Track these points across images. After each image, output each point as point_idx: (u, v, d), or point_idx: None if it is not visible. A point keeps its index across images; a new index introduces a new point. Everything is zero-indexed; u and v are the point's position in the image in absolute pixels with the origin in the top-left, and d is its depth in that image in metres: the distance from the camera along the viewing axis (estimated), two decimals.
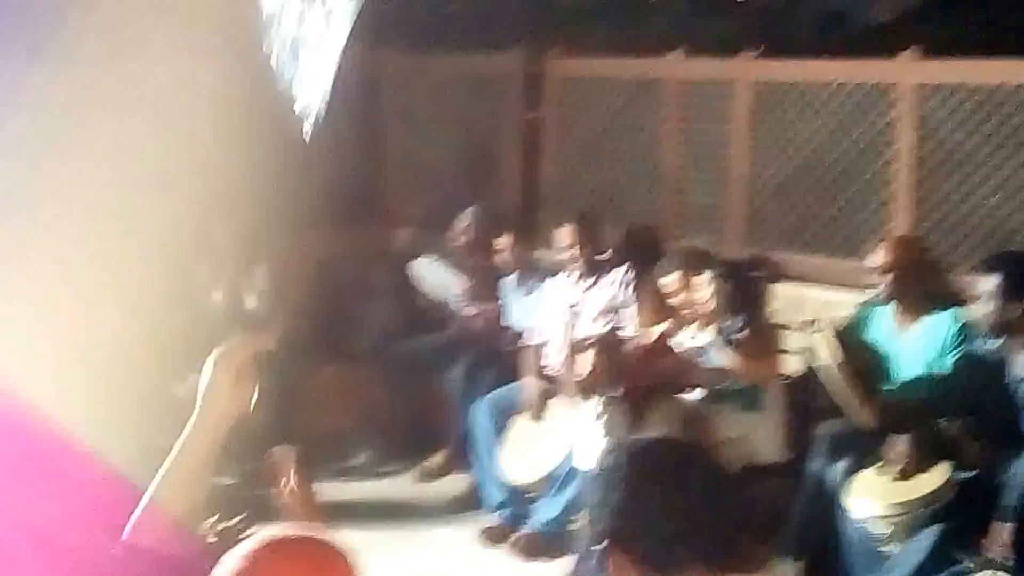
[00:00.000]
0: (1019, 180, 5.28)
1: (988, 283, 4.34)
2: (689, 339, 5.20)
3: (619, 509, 1.86)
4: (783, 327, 5.35)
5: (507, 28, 7.48)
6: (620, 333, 5.43)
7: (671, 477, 1.88)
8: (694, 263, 5.26)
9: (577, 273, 5.65)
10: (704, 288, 5.10)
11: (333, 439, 6.38)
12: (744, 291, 5.13)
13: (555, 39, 7.19)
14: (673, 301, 5.31)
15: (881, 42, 6.02)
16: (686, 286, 5.23)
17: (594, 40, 7.08)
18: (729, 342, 5.00)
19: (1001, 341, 4.43)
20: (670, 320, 5.32)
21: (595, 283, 5.64)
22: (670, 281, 5.30)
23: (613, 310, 5.57)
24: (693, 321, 5.24)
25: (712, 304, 5.08)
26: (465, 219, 6.24)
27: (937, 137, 5.53)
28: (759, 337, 5.05)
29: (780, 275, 5.90)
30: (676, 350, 5.20)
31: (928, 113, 5.54)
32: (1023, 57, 5.35)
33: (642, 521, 1.84)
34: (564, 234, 5.66)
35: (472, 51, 7.55)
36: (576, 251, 5.60)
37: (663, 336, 5.27)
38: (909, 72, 5.62)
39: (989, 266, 4.44)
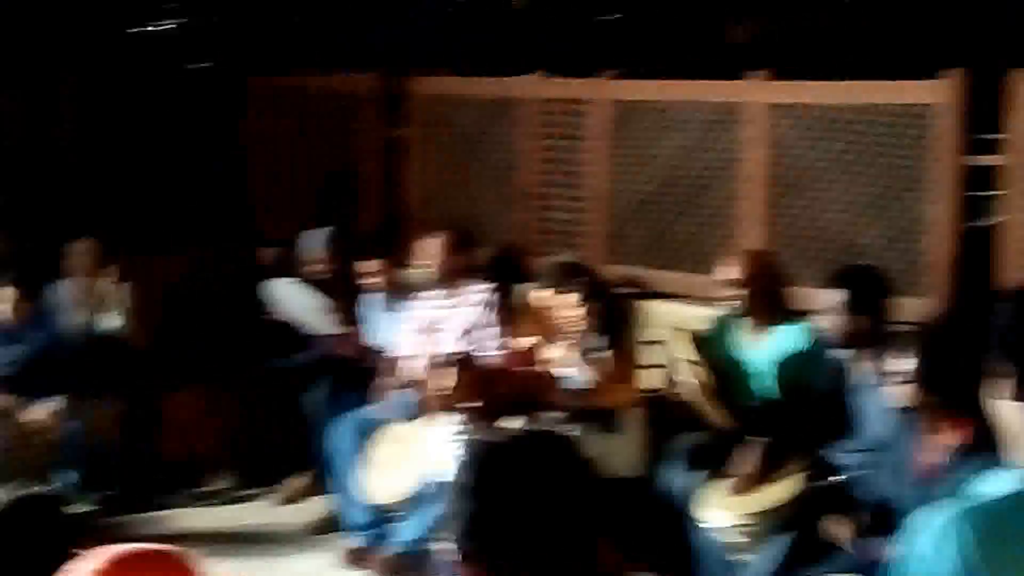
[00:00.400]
0: (866, 197, 5.45)
1: (835, 297, 4.46)
2: (554, 356, 5.21)
3: (472, 517, 1.77)
4: (643, 343, 5.43)
5: (369, 47, 7.49)
6: (482, 352, 5.45)
7: (538, 470, 1.78)
8: (566, 279, 5.28)
9: (441, 290, 5.64)
10: (573, 306, 5.12)
11: (191, 463, 6.27)
12: (611, 310, 5.17)
13: (416, 58, 7.21)
14: (542, 317, 5.33)
15: (734, 63, 6.16)
16: (556, 302, 5.25)
17: (455, 60, 7.12)
18: (593, 361, 5.04)
19: (848, 353, 4.55)
20: (537, 336, 5.34)
21: (458, 301, 5.64)
22: (541, 296, 5.33)
23: (476, 329, 5.57)
24: (560, 338, 5.25)
25: (580, 322, 5.10)
26: (320, 241, 6.19)
27: (788, 156, 5.68)
28: (622, 357, 5.11)
29: (647, 293, 6.00)
30: (540, 368, 5.22)
31: (778, 132, 5.69)
32: (868, 79, 5.54)
33: (497, 530, 1.76)
34: (429, 246, 5.64)
35: (334, 70, 7.54)
36: (440, 263, 5.59)
37: (528, 353, 5.29)
38: (759, 92, 5.77)
39: (836, 281, 4.56)
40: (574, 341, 5.14)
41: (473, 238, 5.90)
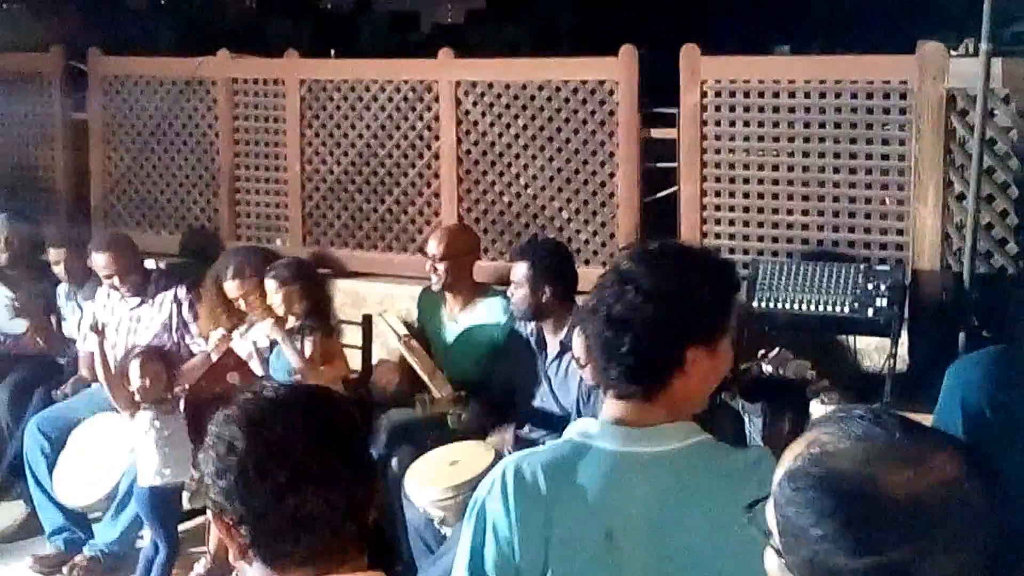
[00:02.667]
0: (550, 171, 5.61)
1: (520, 270, 4.57)
2: (256, 343, 5.12)
3: (240, 476, 1.61)
4: (345, 323, 5.41)
5: (46, 25, 7.12)
6: (184, 345, 5.32)
7: (313, 425, 1.65)
8: (258, 264, 5.19)
9: (124, 291, 5.45)
10: (271, 290, 5.04)
11: None
12: (310, 292, 5.12)
13: (98, 36, 6.91)
14: (240, 304, 5.23)
15: (433, 44, 6.19)
16: (254, 288, 5.16)
17: (139, 38, 6.86)
18: (296, 345, 4.98)
19: (537, 325, 4.68)
20: (234, 322, 5.24)
21: (144, 301, 5.47)
22: (235, 284, 5.22)
23: (174, 326, 5.41)
24: (260, 324, 5.15)
25: (280, 307, 5.02)
26: None
27: (476, 132, 5.77)
28: (329, 339, 5.08)
29: (345, 272, 5.98)
30: (243, 355, 5.12)
31: (466, 110, 5.77)
32: (548, 55, 5.68)
33: (265, 489, 1.61)
34: (98, 263, 5.45)
35: (9, 48, 7.13)
36: (115, 280, 5.42)
37: (224, 343, 5.17)
38: (445, 71, 5.83)
39: (519, 254, 4.67)
40: (277, 325, 5.05)
41: (166, 226, 5.69)
